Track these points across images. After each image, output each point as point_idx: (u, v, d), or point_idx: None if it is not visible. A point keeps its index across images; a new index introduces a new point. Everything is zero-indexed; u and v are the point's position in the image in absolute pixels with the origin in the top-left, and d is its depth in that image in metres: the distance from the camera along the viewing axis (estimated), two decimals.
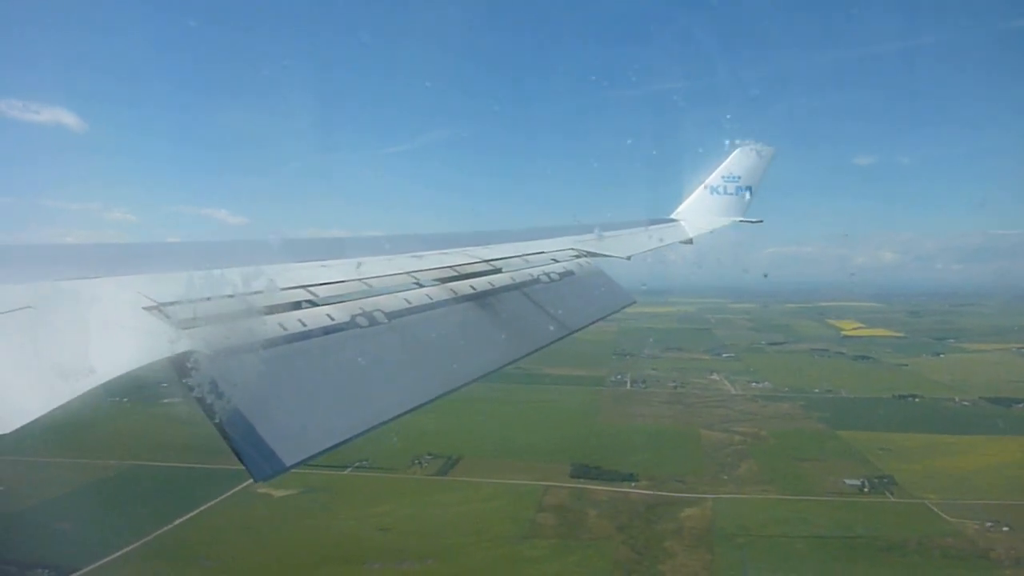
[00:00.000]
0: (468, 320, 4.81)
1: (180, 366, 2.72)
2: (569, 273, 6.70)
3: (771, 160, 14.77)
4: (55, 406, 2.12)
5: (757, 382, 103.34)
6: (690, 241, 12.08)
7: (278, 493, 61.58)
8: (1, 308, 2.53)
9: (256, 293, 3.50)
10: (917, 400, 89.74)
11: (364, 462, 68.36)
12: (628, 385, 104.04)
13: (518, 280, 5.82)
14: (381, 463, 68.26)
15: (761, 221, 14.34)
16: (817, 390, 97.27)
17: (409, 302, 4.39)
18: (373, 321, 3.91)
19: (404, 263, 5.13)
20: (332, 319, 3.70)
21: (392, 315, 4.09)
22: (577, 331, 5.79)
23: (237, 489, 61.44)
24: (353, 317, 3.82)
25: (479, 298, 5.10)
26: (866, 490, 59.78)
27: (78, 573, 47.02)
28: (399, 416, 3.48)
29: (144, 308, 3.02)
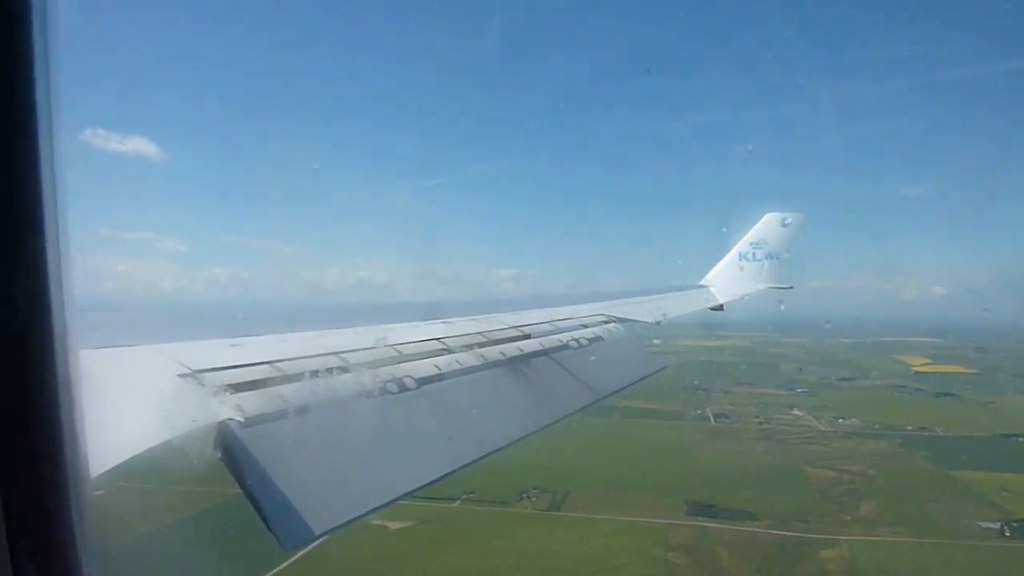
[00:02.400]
0: (498, 385, 4.82)
1: (214, 434, 2.74)
2: (599, 339, 6.72)
3: (800, 226, 14.94)
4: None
5: (844, 418, 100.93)
6: (721, 308, 12.29)
7: (393, 525, 60.81)
8: None
9: (288, 360, 3.56)
10: (1022, 440, 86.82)
11: (472, 493, 67.61)
12: (711, 420, 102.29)
13: (547, 346, 5.84)
14: (488, 495, 67.48)
15: (791, 287, 14.37)
16: (910, 428, 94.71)
17: (439, 368, 4.39)
18: (403, 387, 3.92)
19: (433, 330, 5.19)
20: (362, 385, 3.75)
21: (422, 381, 4.09)
22: (607, 397, 5.79)
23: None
24: (384, 383, 3.84)
25: (508, 364, 5.12)
26: (1007, 534, 57.39)
27: None
28: (428, 484, 3.49)
29: (179, 376, 3.04)
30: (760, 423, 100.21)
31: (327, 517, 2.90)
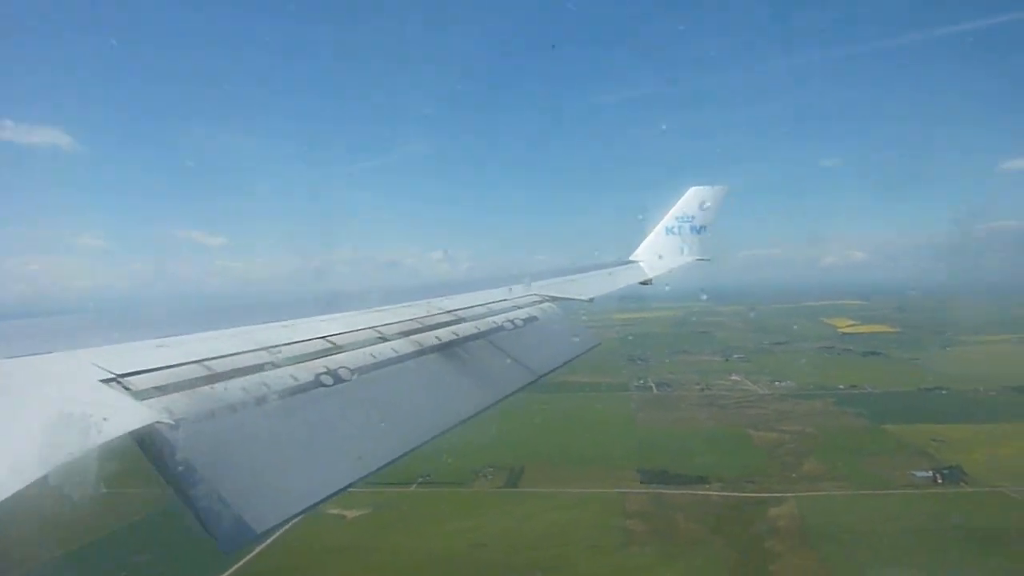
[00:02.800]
0: (435, 371, 4.83)
1: (142, 439, 2.68)
2: (533, 319, 6.79)
3: (724, 199, 15.42)
4: (13, 491, 2.06)
5: (779, 381, 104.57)
6: (649, 282, 12.57)
7: (351, 514, 59.87)
8: None
9: (218, 358, 3.53)
10: (944, 392, 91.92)
11: (426, 476, 67.14)
12: (654, 389, 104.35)
13: (482, 329, 5.88)
14: (443, 477, 67.11)
15: (711, 259, 14.86)
16: (842, 386, 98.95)
17: (374, 357, 4.39)
18: (338, 379, 3.90)
19: (367, 319, 5.17)
20: (296, 379, 3.68)
21: (357, 371, 4.08)
22: (545, 375, 5.80)
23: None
24: (317, 376, 3.81)
25: (444, 348, 5.13)
26: (939, 481, 60.75)
27: None
28: (372, 473, 3.47)
29: (101, 381, 2.97)
30: (701, 390, 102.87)
31: (266, 515, 2.79)
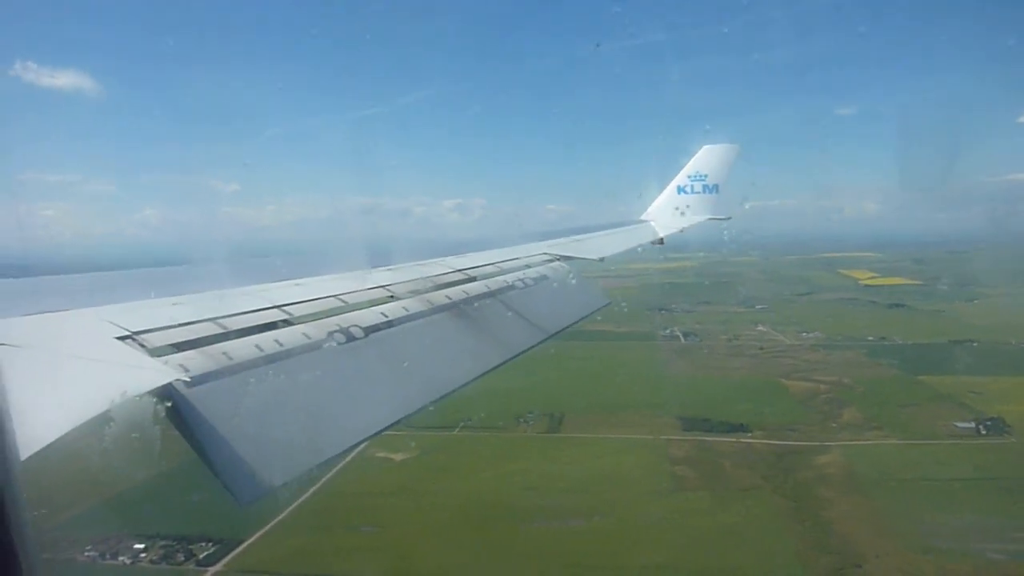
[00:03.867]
0: (445, 330, 4.87)
1: (158, 396, 2.68)
2: (543, 278, 6.85)
3: (736, 157, 15.40)
4: (39, 448, 2.08)
5: (807, 332, 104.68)
6: (661, 241, 12.64)
7: (397, 457, 60.58)
8: None
9: (232, 315, 3.55)
10: (975, 344, 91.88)
11: (469, 420, 67.68)
12: (682, 339, 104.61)
13: (493, 288, 5.92)
14: (486, 422, 67.65)
15: (729, 218, 14.93)
16: (871, 338, 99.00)
17: (385, 316, 4.42)
18: (350, 337, 3.93)
19: (378, 277, 5.19)
20: (308, 337, 3.71)
21: (369, 329, 4.11)
22: (555, 335, 5.89)
23: (351, 457, 60.09)
24: (330, 334, 3.84)
25: (455, 307, 5.17)
26: (983, 433, 61.01)
27: (244, 545, 45.63)
28: (384, 430, 3.53)
29: (117, 338, 2.98)
30: (729, 340, 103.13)
31: (281, 469, 2.82)
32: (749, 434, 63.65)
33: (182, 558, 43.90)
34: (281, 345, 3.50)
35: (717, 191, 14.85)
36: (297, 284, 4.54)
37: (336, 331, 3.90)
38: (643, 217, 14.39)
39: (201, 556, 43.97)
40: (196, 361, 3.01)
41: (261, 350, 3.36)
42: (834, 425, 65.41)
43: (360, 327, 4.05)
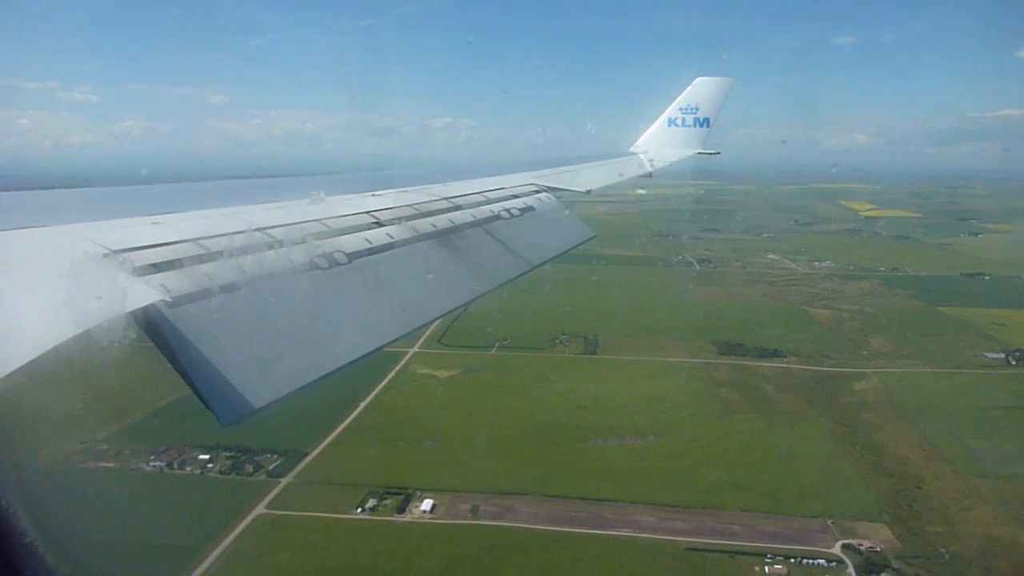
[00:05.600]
0: (430, 258, 4.83)
1: (140, 316, 2.68)
2: (529, 208, 6.84)
3: (729, 91, 15.27)
4: (16, 367, 2.07)
5: (818, 261, 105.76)
6: (649, 175, 12.46)
7: (441, 374, 60.54)
8: None
9: (212, 237, 3.50)
10: (987, 278, 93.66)
11: (505, 341, 67.72)
12: (696, 265, 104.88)
13: (479, 217, 5.90)
14: (522, 342, 67.75)
15: (719, 153, 15.05)
16: (883, 268, 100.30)
17: (369, 242, 4.38)
18: (334, 262, 3.91)
19: (363, 203, 5.16)
20: (291, 261, 3.70)
21: (353, 255, 4.09)
22: (539, 266, 5.83)
23: (395, 372, 60.04)
24: (313, 258, 3.81)
25: (440, 236, 5.13)
26: (1012, 363, 62.56)
27: (309, 457, 45.60)
28: (366, 355, 3.48)
29: (100, 255, 2.98)
30: (743, 267, 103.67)
31: (264, 391, 2.82)
32: (784, 359, 64.58)
33: (251, 469, 43.68)
34: (264, 268, 3.45)
35: (708, 125, 14.80)
36: (280, 207, 4.52)
37: (320, 255, 3.84)
38: (632, 149, 14.21)
39: (270, 468, 43.76)
40: (177, 281, 2.96)
41: (243, 272, 3.32)
42: (865, 352, 66.62)
43: (344, 252, 4.00)
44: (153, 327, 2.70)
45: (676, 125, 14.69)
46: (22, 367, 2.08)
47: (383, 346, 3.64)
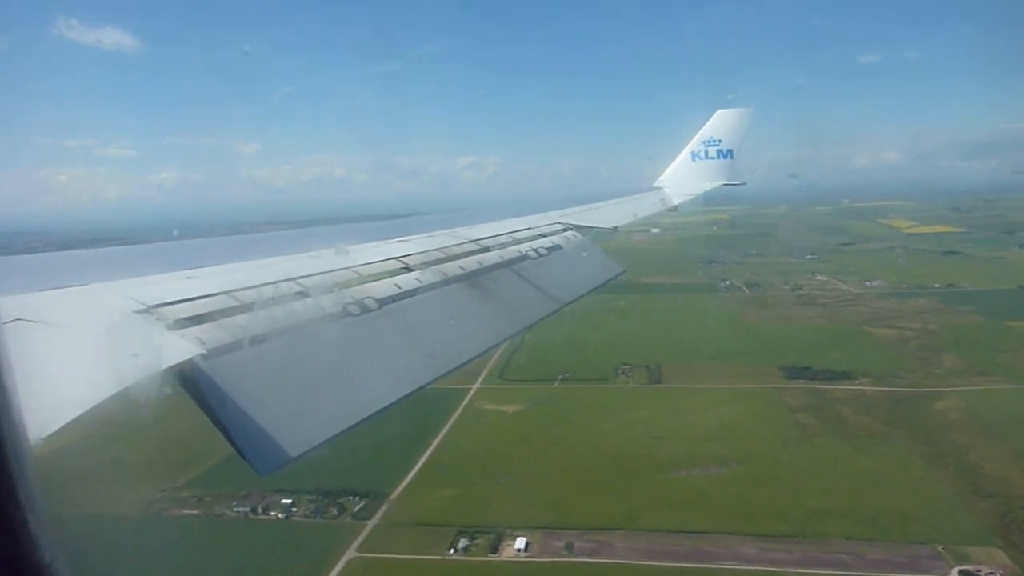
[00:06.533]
0: (459, 300, 4.82)
1: (177, 370, 2.71)
2: (557, 247, 6.83)
3: (750, 121, 15.36)
4: (56, 428, 2.09)
5: (869, 280, 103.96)
6: (675, 209, 12.46)
7: (508, 409, 60.00)
8: None
9: (245, 288, 3.53)
10: None
11: (567, 373, 67.14)
12: (746, 290, 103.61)
13: (507, 258, 5.89)
14: (585, 374, 67.10)
15: (744, 184, 14.84)
16: (937, 285, 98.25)
17: (399, 287, 4.40)
18: (365, 309, 3.93)
19: (391, 248, 5.19)
20: (323, 309, 3.73)
21: (383, 301, 4.09)
22: (569, 304, 5.80)
23: (461, 409, 59.67)
24: (345, 306, 3.84)
25: (469, 278, 5.12)
26: None
27: (391, 497, 45.16)
28: (400, 400, 3.45)
29: (135, 312, 3.03)
30: (792, 289, 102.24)
31: (299, 440, 2.84)
32: (856, 381, 63.13)
33: (335, 512, 43.32)
34: (296, 317, 3.50)
35: (732, 156, 14.78)
36: (311, 256, 4.54)
37: (351, 303, 3.88)
38: (657, 183, 14.26)
39: (354, 510, 43.37)
40: (213, 334, 3.01)
41: (276, 322, 3.36)
42: (938, 371, 64.87)
43: (374, 298, 4.05)
44: (188, 380, 2.75)
45: (700, 158, 14.80)
46: (70, 422, 2.12)
47: (418, 390, 3.65)
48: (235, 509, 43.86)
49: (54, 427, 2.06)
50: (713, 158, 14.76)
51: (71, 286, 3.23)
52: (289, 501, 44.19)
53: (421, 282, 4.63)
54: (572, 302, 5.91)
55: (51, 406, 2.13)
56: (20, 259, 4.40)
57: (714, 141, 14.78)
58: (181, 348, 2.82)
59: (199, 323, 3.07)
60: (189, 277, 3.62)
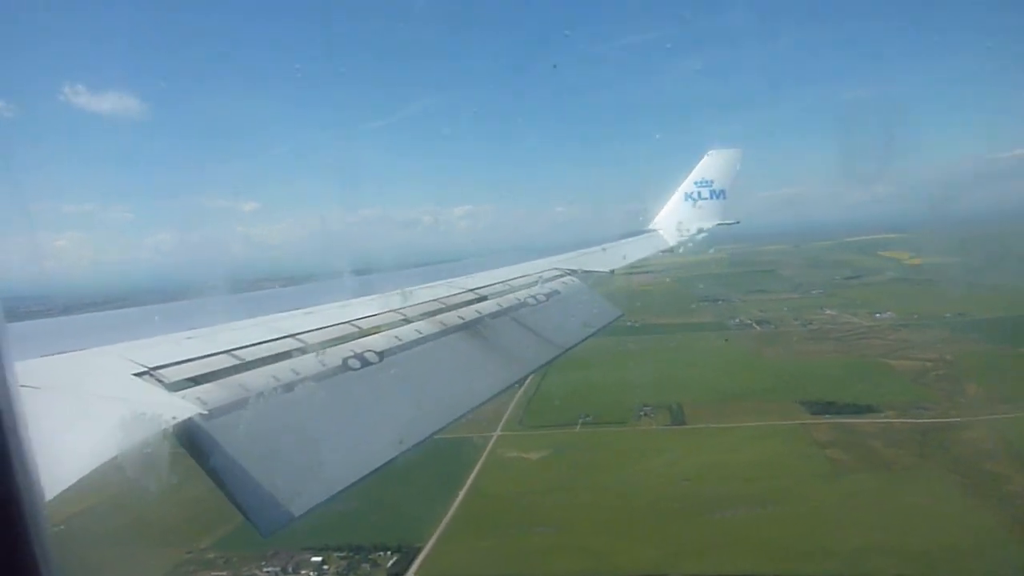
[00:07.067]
0: (459, 350, 4.80)
1: (178, 432, 2.70)
2: (555, 293, 6.87)
3: (740, 161, 15.54)
4: (64, 487, 2.12)
5: (879, 313, 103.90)
6: (671, 250, 12.71)
7: (532, 456, 59.07)
8: None
9: (245, 347, 3.57)
10: None
11: (587, 417, 66.38)
12: (756, 327, 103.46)
13: (505, 306, 5.90)
14: (605, 417, 66.33)
15: (738, 222, 15.07)
16: (948, 315, 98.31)
17: (399, 339, 4.37)
18: (365, 362, 3.89)
19: (389, 301, 5.21)
20: (324, 365, 3.68)
21: (384, 354, 4.07)
22: (570, 349, 5.79)
23: (484, 458, 58.72)
24: (344, 360, 3.80)
25: (468, 327, 5.12)
26: None
27: (424, 551, 43.99)
28: (403, 453, 3.42)
29: (135, 374, 3.00)
30: (803, 325, 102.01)
31: (303, 498, 2.81)
32: (881, 414, 62.47)
33: (368, 568, 42.15)
34: (297, 374, 3.48)
35: (724, 196, 14.95)
36: (308, 313, 4.58)
37: (350, 356, 3.88)
38: (652, 225, 14.49)
39: (387, 565, 42.21)
40: (213, 394, 3.01)
41: (277, 380, 3.35)
42: (963, 401, 64.21)
43: (375, 351, 4.05)
44: (190, 441, 2.74)
45: (693, 199, 14.94)
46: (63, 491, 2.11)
47: (423, 441, 3.61)
48: (264, 569, 42.60)
49: (57, 490, 2.07)
50: (706, 198, 14.92)
51: (71, 351, 3.26)
52: (320, 559, 42.99)
53: (421, 333, 4.63)
54: (573, 347, 5.93)
55: (52, 470, 2.09)
56: (21, 326, 4.40)
57: (706, 182, 14.95)
58: (182, 408, 2.82)
59: (199, 383, 3.09)
60: (189, 338, 3.64)
